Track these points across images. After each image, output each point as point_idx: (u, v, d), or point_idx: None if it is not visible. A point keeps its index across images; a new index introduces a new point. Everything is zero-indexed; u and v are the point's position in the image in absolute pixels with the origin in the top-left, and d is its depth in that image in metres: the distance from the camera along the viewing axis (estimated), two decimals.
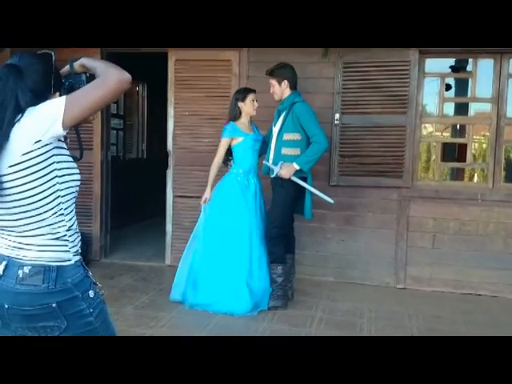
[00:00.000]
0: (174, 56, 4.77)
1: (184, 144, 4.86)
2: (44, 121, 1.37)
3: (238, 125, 3.91)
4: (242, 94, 3.94)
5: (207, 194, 3.93)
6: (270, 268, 3.86)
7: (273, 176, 3.82)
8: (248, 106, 3.90)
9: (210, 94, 4.73)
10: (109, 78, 1.38)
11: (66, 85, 1.53)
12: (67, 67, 1.54)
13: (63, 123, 1.37)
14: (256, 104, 3.92)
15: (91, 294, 1.53)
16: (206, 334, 3.31)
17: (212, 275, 3.78)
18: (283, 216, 3.84)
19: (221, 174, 4.05)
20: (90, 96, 1.38)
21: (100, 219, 5.08)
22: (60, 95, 1.51)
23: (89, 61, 1.50)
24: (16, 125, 1.38)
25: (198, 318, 3.60)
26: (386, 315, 3.80)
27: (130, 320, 3.51)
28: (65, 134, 1.41)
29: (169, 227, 4.92)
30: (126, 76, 1.40)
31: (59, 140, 1.45)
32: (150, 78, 7.27)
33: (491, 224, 4.37)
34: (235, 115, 3.92)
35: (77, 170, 1.51)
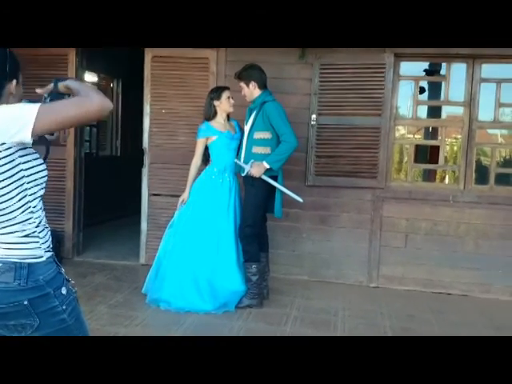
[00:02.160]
0: (150, 53, 4.72)
1: (160, 142, 4.81)
2: (12, 125, 1.31)
3: (212, 124, 3.91)
4: (217, 92, 3.94)
5: (185, 196, 3.93)
6: (244, 267, 3.87)
7: (243, 175, 3.83)
8: (224, 104, 3.90)
9: (187, 91, 4.70)
10: (92, 101, 1.33)
11: (48, 101, 1.47)
12: (51, 85, 1.49)
13: (32, 131, 1.31)
14: (232, 101, 3.92)
15: (64, 290, 1.51)
16: (181, 333, 3.29)
17: (177, 272, 3.78)
18: (256, 215, 3.84)
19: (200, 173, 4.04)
20: (65, 111, 1.33)
21: (73, 217, 5.00)
22: (17, 83, 1.49)
23: (74, 83, 1.46)
24: None
25: (172, 316, 3.58)
26: (360, 314, 3.86)
27: (103, 319, 3.47)
28: (30, 142, 1.35)
29: (144, 226, 4.87)
30: (108, 104, 1.37)
31: None
32: (125, 74, 7.19)
33: (462, 225, 4.47)
34: (210, 115, 3.91)
35: (43, 166, 1.48)
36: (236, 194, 3.98)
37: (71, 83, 1.47)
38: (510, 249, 4.38)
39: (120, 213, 6.93)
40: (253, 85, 3.82)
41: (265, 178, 3.76)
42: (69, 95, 1.47)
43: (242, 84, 3.86)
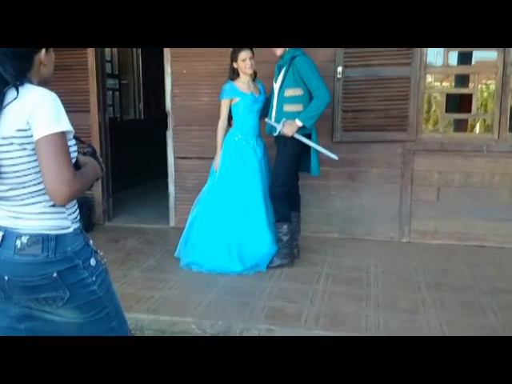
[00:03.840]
0: None
1: (183, 103, 4.74)
2: (36, 122, 1.34)
3: (236, 84, 3.81)
4: (234, 53, 3.79)
5: (217, 160, 3.89)
6: (275, 227, 3.84)
7: (276, 134, 3.74)
8: (240, 66, 3.76)
9: (208, 50, 4.57)
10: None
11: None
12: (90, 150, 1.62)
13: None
14: (249, 62, 3.74)
15: (92, 262, 1.51)
16: (214, 294, 3.33)
17: (208, 235, 3.80)
18: (286, 174, 3.78)
19: None
20: (63, 160, 1.36)
21: (101, 183, 5.02)
22: (47, 51, 1.47)
23: (85, 162, 1.55)
24: (14, 102, 1.35)
25: (205, 278, 3.61)
26: (392, 269, 3.82)
27: (138, 283, 3.52)
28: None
29: (171, 189, 4.88)
30: (62, 192, 1.37)
31: None
32: None
33: (497, 175, 4.32)
34: (232, 76, 3.81)
35: (73, 141, 1.46)
36: (262, 154, 3.92)
37: (83, 159, 1.55)
38: None
39: (146, 176, 6.97)
40: None
41: (298, 136, 3.66)
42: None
43: None
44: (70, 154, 1.39)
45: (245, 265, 3.71)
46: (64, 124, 1.37)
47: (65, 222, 1.47)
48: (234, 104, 3.82)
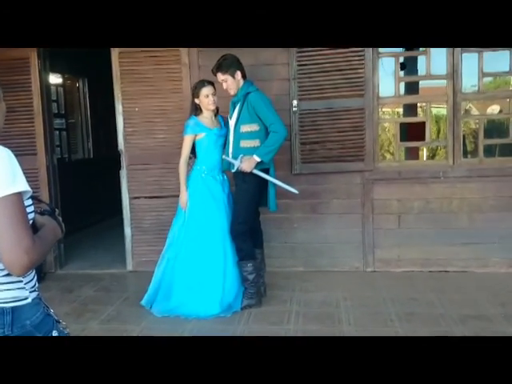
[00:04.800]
0: (117, 48, 4.46)
1: (137, 142, 4.57)
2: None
3: (200, 119, 3.70)
4: (195, 89, 3.72)
5: (184, 198, 3.72)
6: (239, 266, 3.71)
7: (234, 171, 3.65)
8: (202, 102, 3.68)
9: (160, 86, 4.46)
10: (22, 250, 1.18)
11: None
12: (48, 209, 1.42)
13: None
14: (211, 98, 3.67)
15: (55, 334, 1.36)
16: None
17: (184, 278, 3.62)
18: (247, 211, 3.68)
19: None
20: (19, 223, 1.18)
21: None
22: None
23: (43, 223, 1.35)
24: None
25: (170, 326, 3.40)
26: (362, 302, 3.75)
27: None
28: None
29: (127, 231, 4.65)
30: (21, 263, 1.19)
31: None
32: (91, 72, 6.88)
33: (455, 200, 4.39)
34: (195, 112, 3.72)
35: (29, 201, 1.30)
36: (228, 190, 3.82)
37: (40, 220, 1.35)
38: (504, 221, 4.32)
39: (98, 217, 6.69)
40: (238, 75, 3.61)
41: (256, 172, 3.58)
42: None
43: (226, 76, 3.60)
44: (27, 217, 1.23)
45: (222, 306, 3.54)
46: (20, 184, 1.21)
47: (22, 292, 1.30)
48: (198, 140, 3.71)
